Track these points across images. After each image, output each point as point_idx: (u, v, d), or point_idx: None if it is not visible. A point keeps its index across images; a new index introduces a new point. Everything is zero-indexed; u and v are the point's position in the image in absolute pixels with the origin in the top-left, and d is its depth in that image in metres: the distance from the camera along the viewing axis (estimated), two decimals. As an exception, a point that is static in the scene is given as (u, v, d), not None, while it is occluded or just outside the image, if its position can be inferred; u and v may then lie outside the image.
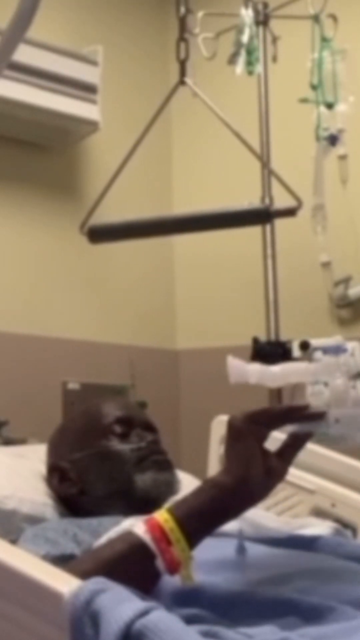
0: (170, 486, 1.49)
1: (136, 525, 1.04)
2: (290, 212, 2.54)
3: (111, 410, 1.54)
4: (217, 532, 1.18)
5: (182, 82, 2.67)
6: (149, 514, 1.29)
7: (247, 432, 1.08)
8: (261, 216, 2.68)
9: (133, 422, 1.53)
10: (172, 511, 1.04)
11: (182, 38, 2.65)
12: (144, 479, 1.44)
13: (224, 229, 2.69)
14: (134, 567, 1.00)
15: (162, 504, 1.43)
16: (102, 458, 1.48)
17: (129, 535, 1.03)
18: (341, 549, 1.21)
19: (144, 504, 1.39)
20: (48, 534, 1.25)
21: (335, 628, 0.97)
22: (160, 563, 1.00)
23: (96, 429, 1.52)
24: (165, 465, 1.50)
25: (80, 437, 1.53)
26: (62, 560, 1.19)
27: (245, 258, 3.27)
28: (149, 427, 1.55)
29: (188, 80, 2.65)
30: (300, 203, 2.52)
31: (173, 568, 1.01)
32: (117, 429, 1.51)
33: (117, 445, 1.49)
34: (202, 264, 3.60)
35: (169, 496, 1.48)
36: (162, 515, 1.03)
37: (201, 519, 1.06)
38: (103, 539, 1.19)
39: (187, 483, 1.75)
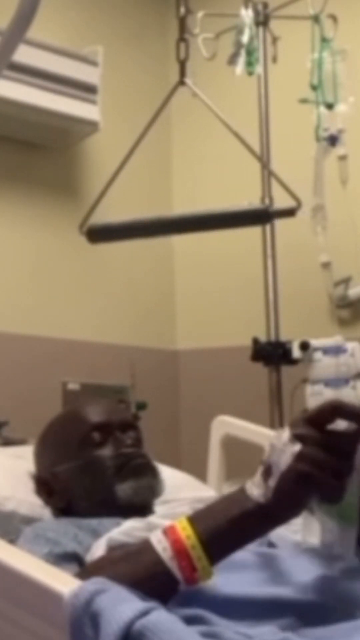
0: (152, 489, 1.48)
1: (159, 540, 0.98)
2: (289, 213, 2.54)
3: (88, 418, 1.52)
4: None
5: (181, 82, 2.66)
6: (139, 516, 1.29)
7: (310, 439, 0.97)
8: (261, 217, 2.68)
9: (111, 426, 1.51)
10: (199, 533, 0.97)
11: (182, 38, 2.65)
12: (124, 489, 1.43)
13: (223, 229, 2.69)
14: (153, 588, 0.95)
15: (150, 507, 1.43)
16: (82, 470, 1.47)
17: (152, 555, 0.97)
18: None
19: (130, 512, 1.38)
20: (49, 534, 1.25)
21: (335, 628, 0.97)
22: (181, 585, 0.97)
23: (73, 439, 1.50)
24: (145, 470, 1.48)
25: (59, 449, 1.52)
26: (65, 558, 1.19)
27: (245, 258, 3.27)
28: (128, 426, 1.53)
29: (188, 80, 2.65)
30: (299, 203, 2.52)
31: (191, 585, 0.98)
32: (95, 437, 1.49)
33: (95, 455, 1.47)
34: (202, 264, 3.60)
35: (153, 499, 1.48)
36: (189, 540, 0.96)
37: (230, 540, 1.00)
38: (103, 540, 1.19)
39: (187, 483, 1.76)
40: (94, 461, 1.47)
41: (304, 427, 0.98)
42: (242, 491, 1.00)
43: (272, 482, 0.97)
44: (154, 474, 1.50)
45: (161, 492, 1.49)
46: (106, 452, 1.48)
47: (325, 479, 0.95)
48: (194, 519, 0.99)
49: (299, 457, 0.96)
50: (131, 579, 0.94)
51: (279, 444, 0.98)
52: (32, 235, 3.21)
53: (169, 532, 0.98)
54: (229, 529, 0.98)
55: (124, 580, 0.93)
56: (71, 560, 1.19)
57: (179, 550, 0.96)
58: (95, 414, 1.54)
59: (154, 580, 0.96)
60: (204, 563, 0.96)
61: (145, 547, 0.98)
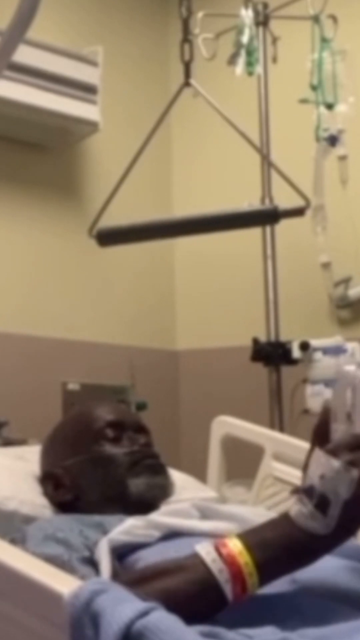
0: (164, 489, 1.49)
1: (213, 559, 0.97)
2: (298, 212, 2.53)
3: (102, 415, 1.54)
4: (213, 533, 1.18)
5: (187, 83, 2.65)
6: (145, 514, 1.29)
7: None
8: (270, 217, 2.66)
9: (124, 425, 1.52)
10: (255, 560, 0.97)
11: (186, 39, 2.64)
12: (137, 484, 1.44)
13: (232, 230, 2.68)
14: (203, 604, 0.96)
15: (157, 507, 1.43)
16: (95, 463, 1.48)
17: (206, 574, 0.97)
18: (343, 550, 1.20)
19: (139, 508, 1.39)
20: (58, 535, 1.24)
21: (335, 628, 0.97)
22: (228, 605, 0.97)
23: (87, 434, 1.51)
24: (159, 469, 1.49)
25: (72, 443, 1.53)
26: (83, 563, 1.18)
27: (245, 258, 3.27)
28: (141, 429, 1.55)
29: (193, 81, 2.64)
30: (308, 202, 2.50)
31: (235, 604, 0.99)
32: (109, 433, 1.50)
33: (109, 449, 1.48)
34: (202, 265, 3.60)
35: (163, 499, 1.48)
36: (247, 567, 0.97)
37: (283, 570, 1.01)
38: (104, 541, 1.18)
39: (187, 483, 1.76)
40: (108, 455, 1.47)
41: (350, 452, 1.00)
42: (290, 522, 1.00)
43: (335, 511, 0.97)
44: (166, 475, 1.51)
45: (171, 494, 1.50)
46: (120, 447, 1.49)
47: None
48: (249, 544, 0.99)
49: None
50: (182, 595, 0.95)
51: (330, 473, 0.98)
52: (32, 235, 3.21)
53: (223, 552, 0.98)
54: (284, 561, 1.00)
55: (174, 596, 0.94)
56: (87, 563, 1.19)
57: (236, 576, 0.96)
58: (109, 412, 1.55)
59: (204, 598, 0.96)
60: (255, 588, 0.98)
61: (198, 563, 0.98)
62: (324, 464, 0.99)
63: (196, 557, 0.99)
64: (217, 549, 0.98)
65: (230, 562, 0.97)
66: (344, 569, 1.13)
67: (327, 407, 1.07)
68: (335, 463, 0.99)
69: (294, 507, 1.01)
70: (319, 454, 1.01)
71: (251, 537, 1.01)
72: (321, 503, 0.98)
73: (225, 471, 1.91)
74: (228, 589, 0.96)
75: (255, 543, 0.99)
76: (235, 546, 0.98)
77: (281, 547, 0.99)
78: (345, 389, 1.07)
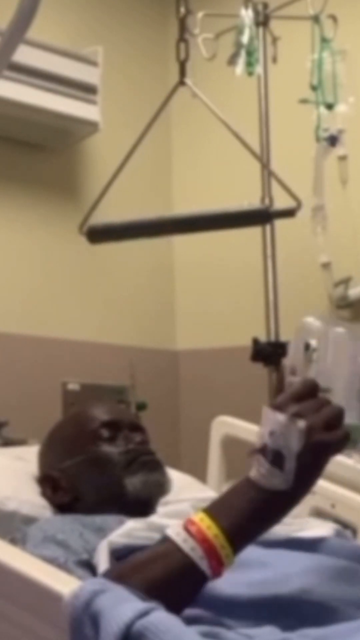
0: (161, 486, 1.49)
1: (184, 539, 0.98)
2: (289, 213, 2.54)
3: (97, 415, 1.54)
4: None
5: (182, 82, 2.66)
6: (143, 515, 1.29)
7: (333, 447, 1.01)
8: (261, 217, 2.67)
9: (119, 425, 1.52)
10: (224, 530, 0.98)
11: (182, 39, 2.65)
12: (133, 482, 1.44)
13: (223, 229, 2.69)
14: (184, 587, 0.97)
15: (155, 505, 1.43)
16: (91, 464, 1.48)
17: (180, 556, 0.97)
18: (342, 550, 1.21)
19: (137, 506, 1.39)
20: (58, 536, 1.24)
21: (336, 629, 0.97)
22: (209, 580, 0.98)
23: (83, 434, 1.51)
24: (155, 466, 1.49)
25: (68, 444, 1.53)
26: (80, 565, 1.18)
27: (245, 259, 3.26)
28: (136, 428, 1.55)
29: (188, 80, 2.64)
30: (299, 203, 2.51)
31: (216, 578, 0.99)
32: (104, 433, 1.50)
33: (105, 449, 1.48)
34: (202, 265, 3.60)
35: (160, 496, 1.48)
36: (218, 539, 0.97)
37: (254, 533, 1.02)
38: (104, 544, 1.18)
39: (187, 483, 1.76)
40: (103, 455, 1.48)
41: (297, 403, 1.01)
42: (251, 484, 1.01)
43: (291, 464, 0.98)
44: (162, 471, 1.50)
45: (169, 491, 1.50)
46: (116, 447, 1.49)
47: (339, 437, 1.00)
48: (215, 516, 0.99)
49: (310, 431, 0.98)
50: (163, 583, 0.95)
51: (279, 428, 0.99)
52: (32, 235, 3.21)
53: (192, 530, 0.98)
54: (252, 524, 1.00)
55: (156, 585, 0.94)
56: (83, 566, 1.19)
57: (209, 550, 0.97)
58: (104, 412, 1.55)
59: (184, 580, 0.97)
60: (231, 559, 0.98)
61: (170, 547, 0.98)
62: (272, 420, 1.00)
63: (167, 541, 0.99)
64: (186, 528, 0.98)
65: (200, 538, 0.97)
66: (344, 570, 1.14)
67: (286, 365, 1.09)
68: (281, 417, 0.99)
69: (252, 469, 1.01)
70: (267, 411, 1.01)
71: (216, 509, 1.01)
72: (276, 459, 0.98)
73: (225, 471, 1.91)
74: (205, 566, 0.96)
75: (222, 513, 1.00)
76: (202, 521, 0.99)
77: (247, 511, 1.00)
78: (306, 341, 1.09)
